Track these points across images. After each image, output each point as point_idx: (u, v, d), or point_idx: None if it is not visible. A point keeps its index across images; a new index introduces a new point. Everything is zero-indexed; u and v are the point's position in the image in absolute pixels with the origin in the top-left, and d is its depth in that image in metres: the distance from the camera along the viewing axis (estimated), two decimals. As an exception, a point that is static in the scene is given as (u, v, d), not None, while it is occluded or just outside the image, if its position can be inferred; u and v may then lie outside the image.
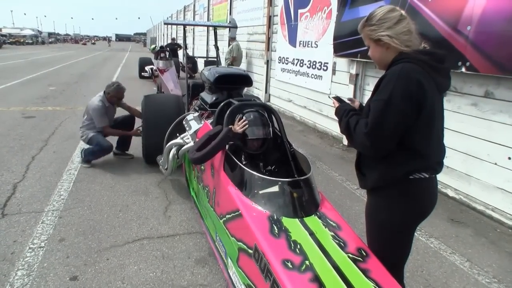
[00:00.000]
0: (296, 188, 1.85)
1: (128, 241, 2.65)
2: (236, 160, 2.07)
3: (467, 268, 2.53)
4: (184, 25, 4.68)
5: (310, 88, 6.54)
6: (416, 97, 1.34)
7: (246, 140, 2.29)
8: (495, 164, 3.24)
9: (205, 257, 2.49)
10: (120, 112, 4.39)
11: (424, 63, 1.38)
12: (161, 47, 11.98)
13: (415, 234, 1.61)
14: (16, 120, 6.01)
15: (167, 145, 3.20)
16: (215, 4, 13.43)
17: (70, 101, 8.00)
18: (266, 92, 8.58)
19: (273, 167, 2.36)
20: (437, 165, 1.48)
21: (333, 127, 5.91)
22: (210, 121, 2.97)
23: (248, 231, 1.69)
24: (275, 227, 1.66)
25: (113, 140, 4.23)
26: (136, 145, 4.37)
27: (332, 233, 1.64)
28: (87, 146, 4.11)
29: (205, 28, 14.75)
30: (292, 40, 7.11)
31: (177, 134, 3.21)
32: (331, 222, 1.73)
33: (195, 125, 3.13)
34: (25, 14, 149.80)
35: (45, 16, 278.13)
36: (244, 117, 2.32)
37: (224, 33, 11.39)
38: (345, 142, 5.46)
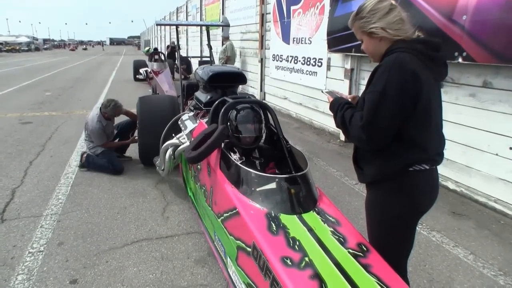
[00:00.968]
0: (294, 184, 1.82)
1: (127, 243, 2.62)
2: (232, 158, 2.04)
3: (471, 261, 2.49)
4: (176, 26, 4.64)
5: (305, 84, 6.51)
6: (412, 88, 1.30)
7: (240, 137, 2.30)
8: (496, 154, 3.21)
9: (204, 257, 2.46)
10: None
11: (419, 52, 1.35)
12: (155, 49, 11.93)
13: (417, 227, 1.57)
14: (13, 126, 5.98)
15: (163, 146, 3.17)
16: (207, 5, 13.38)
17: (66, 106, 7.97)
18: (261, 90, 8.54)
19: (269, 164, 2.34)
20: (437, 156, 1.44)
21: (330, 123, 5.88)
22: (205, 120, 2.94)
23: (246, 229, 1.66)
24: (273, 224, 1.63)
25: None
26: (133, 148, 4.35)
27: (332, 229, 1.61)
28: (85, 149, 4.10)
29: (198, 28, 14.72)
30: (286, 37, 7.08)
31: (173, 134, 3.18)
32: (330, 218, 1.70)
33: (191, 124, 3.10)
34: (20, 21, 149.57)
35: (39, 22, 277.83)
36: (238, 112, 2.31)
37: (217, 33, 11.34)
38: (342, 137, 5.43)
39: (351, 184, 3.79)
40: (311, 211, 1.74)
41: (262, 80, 8.47)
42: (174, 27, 5.11)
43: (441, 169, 1.74)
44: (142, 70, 11.33)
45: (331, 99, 1.59)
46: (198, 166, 2.59)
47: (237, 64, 9.47)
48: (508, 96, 3.09)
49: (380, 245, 1.51)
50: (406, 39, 1.39)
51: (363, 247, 1.50)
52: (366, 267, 1.37)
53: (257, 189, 1.81)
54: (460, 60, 3.24)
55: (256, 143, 2.36)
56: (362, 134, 1.36)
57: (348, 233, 1.59)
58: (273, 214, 1.69)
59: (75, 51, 54.14)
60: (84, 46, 74.54)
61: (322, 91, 1.74)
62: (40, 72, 16.28)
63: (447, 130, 1.57)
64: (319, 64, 5.99)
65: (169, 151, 3.10)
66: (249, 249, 1.62)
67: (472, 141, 3.43)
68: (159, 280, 2.22)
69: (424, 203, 1.47)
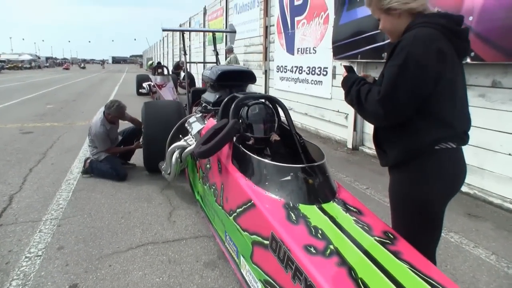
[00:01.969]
0: (311, 175, 1.74)
1: (132, 246, 2.51)
2: (246, 150, 1.96)
3: (493, 261, 2.38)
4: (182, 31, 4.67)
5: (311, 94, 6.49)
6: (435, 66, 1.24)
7: (252, 137, 2.28)
8: (509, 154, 3.14)
9: (214, 260, 2.34)
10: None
11: (443, 27, 1.29)
12: (159, 63, 12.01)
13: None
14: (13, 136, 5.89)
15: (169, 148, 3.09)
16: (210, 20, 13.59)
17: (68, 117, 7.91)
18: (265, 102, 8.53)
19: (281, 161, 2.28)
20: (464, 134, 1.36)
21: (336, 131, 5.82)
22: (214, 120, 2.88)
23: (263, 221, 1.56)
24: (292, 214, 1.53)
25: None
26: (137, 154, 4.27)
27: (354, 218, 1.52)
28: (88, 154, 4.01)
29: (201, 44, 14.89)
30: (290, 48, 7.12)
31: (180, 136, 3.10)
32: (352, 208, 1.61)
33: (198, 126, 3.03)
34: (23, 39, 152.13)
35: (43, 40, 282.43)
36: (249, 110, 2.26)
37: (220, 47, 11.45)
38: (350, 145, 5.35)
39: (362, 188, 3.70)
40: (331, 201, 1.65)
41: (266, 91, 8.47)
42: (180, 35, 5.15)
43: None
44: (145, 84, 11.34)
45: (345, 74, 1.53)
46: (208, 165, 2.51)
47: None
48: (519, 94, 3.05)
49: (407, 232, 1.41)
50: (426, 14, 1.34)
51: (390, 235, 1.41)
52: (396, 254, 1.27)
53: (273, 180, 1.73)
54: (468, 60, 3.22)
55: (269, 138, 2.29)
56: (379, 108, 1.29)
57: (372, 222, 1.50)
58: (291, 205, 1.60)
59: (69, 70, 46.17)
60: (82, 64, 64.73)
61: (341, 64, 1.67)
62: (42, 87, 16.35)
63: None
64: (324, 73, 5.99)
65: (176, 154, 3.00)
66: (266, 242, 1.52)
67: (483, 142, 3.36)
68: (167, 284, 2.10)
69: (453, 184, 1.37)
